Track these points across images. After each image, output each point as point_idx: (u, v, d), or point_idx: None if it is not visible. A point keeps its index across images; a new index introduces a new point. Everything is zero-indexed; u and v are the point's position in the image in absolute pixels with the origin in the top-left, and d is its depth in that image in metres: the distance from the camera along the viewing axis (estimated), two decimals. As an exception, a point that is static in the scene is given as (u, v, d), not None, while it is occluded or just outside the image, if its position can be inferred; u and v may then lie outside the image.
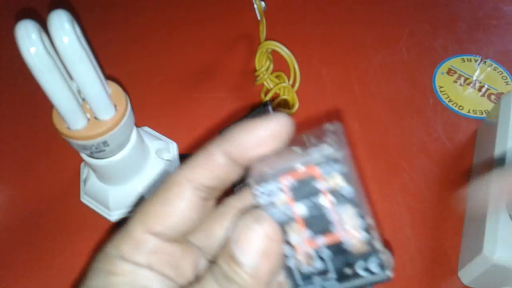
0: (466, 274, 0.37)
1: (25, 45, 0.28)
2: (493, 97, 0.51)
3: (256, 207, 0.18)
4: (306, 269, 0.18)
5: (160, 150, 0.43)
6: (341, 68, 0.53)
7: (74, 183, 0.44)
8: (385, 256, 0.19)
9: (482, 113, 0.49)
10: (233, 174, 0.19)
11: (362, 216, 0.18)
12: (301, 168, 0.18)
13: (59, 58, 0.30)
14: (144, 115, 0.47)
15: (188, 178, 0.19)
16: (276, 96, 0.47)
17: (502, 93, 0.51)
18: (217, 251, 0.21)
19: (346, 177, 0.18)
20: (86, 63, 0.30)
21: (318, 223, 0.18)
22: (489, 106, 0.50)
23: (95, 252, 0.22)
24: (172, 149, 0.45)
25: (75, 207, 0.43)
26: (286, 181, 0.18)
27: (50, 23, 0.28)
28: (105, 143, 0.34)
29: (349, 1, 0.60)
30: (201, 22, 0.58)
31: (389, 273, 0.18)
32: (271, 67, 0.49)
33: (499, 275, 0.35)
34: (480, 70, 0.53)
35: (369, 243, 0.19)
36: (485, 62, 0.53)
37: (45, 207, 0.43)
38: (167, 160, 0.43)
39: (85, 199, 0.43)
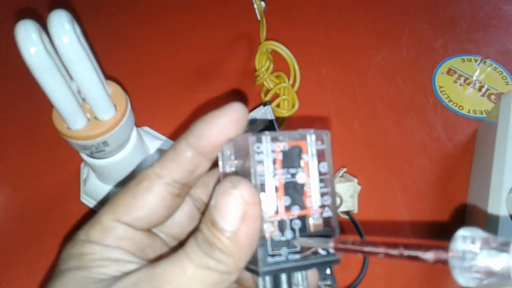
0: (466, 274, 0.37)
1: (25, 45, 0.28)
2: (493, 97, 0.51)
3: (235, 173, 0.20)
4: (278, 237, 0.19)
5: (160, 150, 0.43)
6: (341, 68, 0.53)
7: (74, 183, 0.44)
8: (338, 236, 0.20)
9: (482, 113, 0.49)
10: (201, 167, 0.21)
11: (331, 196, 0.20)
12: (291, 139, 0.19)
13: (59, 58, 0.30)
14: (144, 115, 0.47)
15: (159, 174, 0.20)
16: (276, 96, 0.47)
17: (502, 93, 0.51)
18: (178, 231, 0.22)
19: (326, 156, 0.20)
20: (86, 63, 0.30)
21: (295, 194, 0.19)
22: (489, 106, 0.50)
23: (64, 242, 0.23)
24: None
25: (75, 207, 0.43)
26: (281, 145, 0.19)
27: (50, 23, 0.28)
28: (105, 143, 0.34)
29: (349, 1, 0.60)
30: (201, 22, 0.58)
31: (340, 256, 0.19)
32: (271, 67, 0.49)
33: (499, 275, 0.35)
34: (480, 70, 0.53)
35: (330, 223, 0.20)
36: (485, 62, 0.53)
37: (45, 207, 0.43)
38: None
39: (85, 199, 0.43)
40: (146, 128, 0.47)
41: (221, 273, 0.18)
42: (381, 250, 0.15)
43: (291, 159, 0.19)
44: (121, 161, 0.37)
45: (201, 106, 0.50)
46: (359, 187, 0.40)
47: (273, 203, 0.19)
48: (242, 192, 0.18)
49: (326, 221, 0.19)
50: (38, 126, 0.49)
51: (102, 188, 0.40)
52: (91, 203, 0.42)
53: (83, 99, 0.33)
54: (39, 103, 0.50)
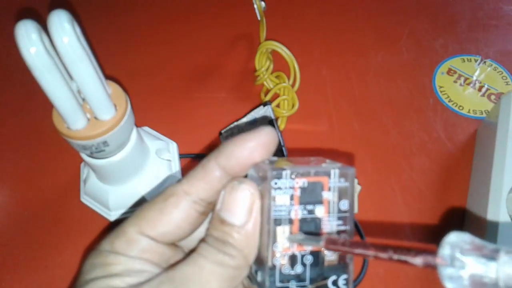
0: (466, 274, 0.37)
1: (25, 45, 0.28)
2: (493, 97, 0.51)
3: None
4: (287, 270, 0.19)
5: (160, 150, 0.43)
6: (341, 68, 0.53)
7: (74, 183, 0.44)
8: (351, 274, 0.20)
9: (482, 113, 0.49)
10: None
11: (348, 235, 0.19)
12: (313, 175, 0.19)
13: (59, 58, 0.30)
14: (144, 115, 0.47)
15: (186, 191, 0.20)
16: (276, 96, 0.47)
17: (502, 93, 0.51)
18: (193, 244, 0.23)
19: (348, 194, 0.20)
20: (86, 63, 0.30)
21: (311, 228, 0.19)
22: (489, 106, 0.50)
23: (88, 251, 0.23)
24: (172, 149, 0.45)
25: (75, 207, 0.43)
26: (300, 182, 0.19)
27: (50, 23, 0.28)
28: (105, 143, 0.34)
29: (349, 1, 0.60)
30: (201, 22, 0.58)
31: None
32: (271, 67, 0.49)
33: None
34: (480, 70, 0.53)
35: (344, 259, 0.19)
36: (485, 62, 0.53)
37: (45, 207, 0.43)
38: (167, 160, 0.43)
39: (85, 199, 0.43)
40: (146, 128, 0.47)
41: (234, 268, 0.19)
42: (371, 252, 0.16)
43: (310, 194, 0.19)
44: (121, 161, 0.37)
45: (201, 106, 0.50)
46: (359, 187, 0.40)
47: (286, 238, 0.19)
48: (248, 186, 0.19)
49: (341, 257, 0.19)
50: (38, 126, 0.49)
51: (102, 188, 0.40)
52: (91, 203, 0.42)
53: (83, 99, 0.33)
54: (39, 103, 0.50)
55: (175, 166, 0.44)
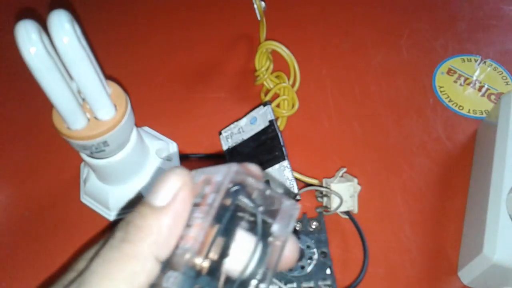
0: (466, 274, 0.37)
1: (25, 45, 0.28)
2: (493, 97, 0.51)
3: None
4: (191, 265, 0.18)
5: (160, 150, 0.43)
6: (341, 68, 0.53)
7: (74, 183, 0.44)
8: None
9: (482, 113, 0.49)
10: None
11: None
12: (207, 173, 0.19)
13: (59, 58, 0.30)
14: (144, 115, 0.47)
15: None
16: (276, 96, 0.47)
17: (502, 93, 0.51)
18: None
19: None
20: (86, 63, 0.30)
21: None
22: (489, 106, 0.50)
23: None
24: (172, 149, 0.45)
25: (75, 207, 0.43)
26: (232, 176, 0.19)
27: (50, 23, 0.28)
28: (105, 143, 0.34)
29: (349, 1, 0.60)
30: (201, 22, 0.58)
31: None
32: (271, 67, 0.49)
33: (499, 275, 0.35)
34: (480, 70, 0.53)
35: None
36: (485, 62, 0.53)
37: (45, 207, 0.43)
38: (167, 160, 0.43)
39: (85, 199, 0.43)
40: (146, 128, 0.47)
41: (133, 257, 0.17)
42: None
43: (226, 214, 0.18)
44: (121, 161, 0.37)
45: (201, 106, 0.50)
46: (359, 187, 0.40)
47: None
48: (181, 172, 0.18)
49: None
50: (38, 126, 0.49)
51: (102, 188, 0.40)
52: (91, 203, 0.42)
53: (83, 99, 0.33)
54: (39, 103, 0.50)
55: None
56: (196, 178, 0.19)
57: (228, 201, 0.18)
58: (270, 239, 0.19)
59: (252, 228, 0.19)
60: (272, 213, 0.19)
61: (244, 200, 0.19)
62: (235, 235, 0.18)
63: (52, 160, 0.46)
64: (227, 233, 0.18)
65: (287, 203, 0.19)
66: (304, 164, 0.44)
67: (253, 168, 0.21)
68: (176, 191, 0.18)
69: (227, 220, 0.18)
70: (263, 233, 0.18)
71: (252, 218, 0.19)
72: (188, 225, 0.18)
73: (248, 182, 0.19)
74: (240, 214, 0.19)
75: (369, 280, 0.38)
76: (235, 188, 0.18)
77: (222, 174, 0.19)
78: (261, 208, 0.19)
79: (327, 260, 0.38)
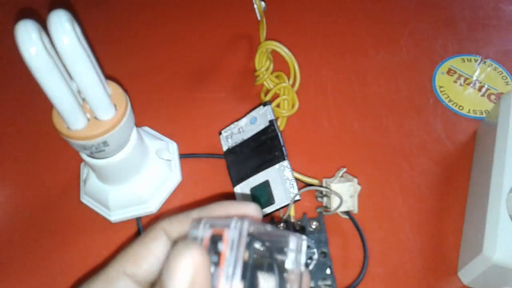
0: (466, 274, 0.37)
1: (25, 45, 0.28)
2: (493, 97, 0.51)
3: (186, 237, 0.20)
4: None
5: (160, 150, 0.43)
6: (341, 68, 0.53)
7: (74, 183, 0.44)
8: None
9: (482, 113, 0.49)
10: None
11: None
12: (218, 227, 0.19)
13: (59, 58, 0.30)
14: (144, 115, 0.47)
15: (164, 228, 0.21)
16: (276, 96, 0.47)
17: (502, 93, 0.51)
18: None
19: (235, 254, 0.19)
20: (86, 63, 0.30)
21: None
22: (489, 106, 0.50)
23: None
24: (172, 149, 0.45)
25: (75, 207, 0.43)
26: (209, 232, 0.19)
27: (50, 23, 0.28)
28: (105, 143, 0.34)
29: (349, 1, 0.60)
30: (201, 22, 0.58)
31: None
32: (271, 67, 0.49)
33: (499, 275, 0.35)
34: (480, 70, 0.53)
35: None
36: (485, 62, 0.53)
37: (45, 207, 0.43)
38: (167, 160, 0.43)
39: (85, 199, 0.43)
40: (146, 128, 0.47)
41: None
42: None
43: (214, 246, 0.19)
44: (121, 161, 0.37)
45: (201, 106, 0.50)
46: (359, 187, 0.40)
47: None
48: (194, 255, 0.17)
49: None
50: (38, 126, 0.49)
51: (102, 188, 0.40)
52: (91, 203, 0.42)
53: (83, 99, 0.33)
54: (39, 103, 0.50)
55: (175, 166, 0.44)
56: (201, 230, 0.19)
57: (246, 255, 0.19)
58: (285, 274, 0.19)
59: (268, 268, 0.19)
60: (281, 250, 0.20)
61: (256, 246, 0.20)
62: (258, 282, 0.19)
63: (52, 160, 0.46)
64: (252, 284, 0.19)
65: (294, 237, 0.20)
66: (304, 164, 0.44)
67: (254, 209, 0.22)
68: (193, 278, 0.17)
69: (250, 274, 0.19)
70: (279, 271, 0.19)
71: (265, 259, 0.20)
72: None
73: (257, 229, 0.20)
74: (257, 260, 0.19)
75: (369, 280, 0.38)
76: (249, 239, 0.19)
77: (235, 229, 0.19)
78: (272, 248, 0.20)
79: (327, 260, 0.38)
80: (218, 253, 0.19)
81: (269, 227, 0.20)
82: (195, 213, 0.22)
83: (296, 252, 0.20)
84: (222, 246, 0.19)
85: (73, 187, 0.44)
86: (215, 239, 0.19)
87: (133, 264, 0.21)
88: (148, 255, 0.21)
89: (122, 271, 0.21)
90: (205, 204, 0.22)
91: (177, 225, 0.22)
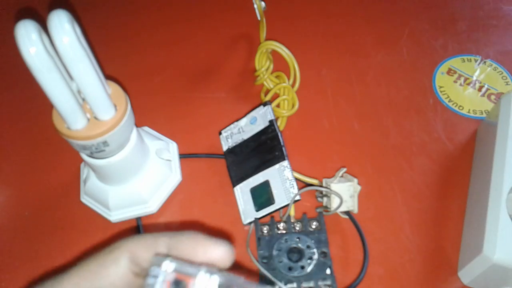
0: (466, 274, 0.37)
1: (25, 45, 0.28)
2: (493, 97, 0.51)
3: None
4: None
5: (160, 150, 0.43)
6: (341, 68, 0.53)
7: (74, 183, 0.44)
8: None
9: (482, 113, 0.49)
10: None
11: None
12: (185, 273, 0.19)
13: (59, 58, 0.30)
14: (144, 115, 0.47)
15: (129, 249, 0.20)
16: (276, 96, 0.47)
17: (502, 93, 0.51)
18: None
19: None
20: (86, 63, 0.30)
21: None
22: (489, 106, 0.50)
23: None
24: (172, 149, 0.45)
25: (75, 207, 0.43)
26: (170, 276, 0.19)
27: (50, 23, 0.28)
28: (105, 143, 0.34)
29: (349, 1, 0.60)
30: (201, 22, 0.58)
31: None
32: (271, 67, 0.49)
33: (499, 275, 0.35)
34: (480, 70, 0.53)
35: None
36: (485, 62, 0.53)
37: (45, 207, 0.43)
38: (167, 160, 0.43)
39: (85, 199, 0.43)
40: (146, 128, 0.47)
41: None
42: None
43: None
44: (121, 161, 0.37)
45: (201, 106, 0.50)
46: (359, 187, 0.40)
47: None
48: None
49: None
50: (38, 126, 0.49)
51: (102, 188, 0.40)
52: (91, 203, 0.43)
53: (83, 99, 0.33)
54: (39, 103, 0.50)
55: (175, 166, 0.44)
56: (162, 272, 0.19)
57: None
58: None
59: None
60: None
61: None
62: None
63: (52, 160, 0.46)
64: None
65: None
66: (304, 164, 0.44)
67: (225, 252, 0.20)
68: None
69: None
70: None
71: None
72: None
73: (226, 282, 0.19)
74: None
75: (369, 280, 0.38)
76: None
77: (200, 283, 0.18)
78: None
79: (327, 260, 0.38)
80: None
81: (240, 280, 0.19)
82: (164, 239, 0.21)
83: None
84: None
85: (73, 187, 0.44)
86: (178, 283, 0.19)
87: (89, 281, 0.20)
88: (104, 276, 0.20)
89: (76, 285, 0.20)
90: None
91: (143, 249, 0.21)
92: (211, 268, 0.19)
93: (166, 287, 0.19)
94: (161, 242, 0.21)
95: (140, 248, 0.21)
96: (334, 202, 0.40)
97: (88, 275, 0.20)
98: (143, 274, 0.21)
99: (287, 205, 0.39)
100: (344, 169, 0.42)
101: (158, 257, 0.19)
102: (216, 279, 0.18)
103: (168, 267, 0.19)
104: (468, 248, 0.38)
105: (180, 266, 0.19)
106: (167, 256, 0.19)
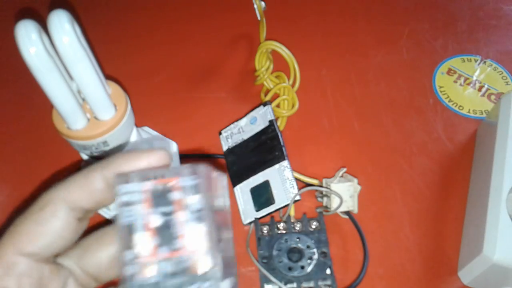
0: (466, 274, 0.38)
1: (25, 45, 0.28)
2: (493, 97, 0.51)
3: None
4: (141, 280, 0.17)
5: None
6: (341, 68, 0.53)
7: (74, 183, 0.44)
8: (225, 283, 0.18)
9: (482, 113, 0.49)
10: (110, 199, 0.20)
11: (210, 239, 0.18)
12: (163, 177, 0.18)
13: (59, 58, 0.30)
14: (144, 115, 0.47)
15: (64, 199, 0.19)
16: (276, 96, 0.47)
17: (502, 93, 0.51)
18: (95, 269, 0.21)
19: (200, 190, 0.18)
20: (86, 63, 0.30)
21: (166, 235, 0.18)
22: (489, 106, 0.50)
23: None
24: (172, 149, 0.45)
25: (75, 207, 0.43)
26: (149, 184, 0.18)
27: (50, 23, 0.28)
28: (105, 143, 0.34)
29: (349, 1, 0.60)
30: (201, 22, 0.58)
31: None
32: (271, 67, 0.49)
33: (499, 275, 0.35)
34: (480, 70, 0.53)
35: (210, 267, 0.18)
36: (485, 62, 0.53)
37: (45, 207, 0.43)
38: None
39: (85, 199, 0.43)
40: (146, 128, 0.47)
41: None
42: None
43: (163, 197, 0.18)
44: (121, 161, 0.37)
45: (201, 106, 0.50)
46: (359, 187, 0.40)
47: (140, 245, 0.18)
48: None
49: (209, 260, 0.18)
50: (38, 126, 0.49)
51: (102, 188, 0.40)
52: (91, 203, 0.42)
53: (83, 99, 0.33)
54: (39, 103, 0.50)
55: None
56: (135, 184, 0.18)
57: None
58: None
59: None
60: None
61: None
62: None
63: (52, 161, 0.46)
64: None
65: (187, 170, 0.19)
66: (304, 164, 0.44)
67: (162, 156, 0.20)
68: None
69: (213, 215, 0.18)
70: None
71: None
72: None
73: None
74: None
75: (369, 280, 0.38)
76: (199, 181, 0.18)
77: (190, 176, 0.18)
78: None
79: (327, 260, 0.38)
80: (170, 203, 0.18)
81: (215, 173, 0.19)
82: (96, 170, 0.20)
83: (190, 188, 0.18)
84: (176, 194, 0.18)
85: (73, 187, 0.44)
86: (158, 192, 0.18)
87: (31, 243, 0.19)
88: (47, 232, 0.19)
89: (18, 253, 0.19)
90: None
91: (78, 192, 0.20)
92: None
93: (147, 197, 0.18)
94: (94, 176, 0.20)
95: (75, 193, 0.20)
96: (334, 202, 0.40)
97: (29, 238, 0.19)
98: (87, 215, 0.20)
99: (287, 205, 0.39)
100: (344, 169, 0.42)
101: (120, 175, 0.18)
102: (202, 168, 0.18)
103: (139, 177, 0.18)
104: (468, 248, 0.38)
105: (152, 172, 0.18)
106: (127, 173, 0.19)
